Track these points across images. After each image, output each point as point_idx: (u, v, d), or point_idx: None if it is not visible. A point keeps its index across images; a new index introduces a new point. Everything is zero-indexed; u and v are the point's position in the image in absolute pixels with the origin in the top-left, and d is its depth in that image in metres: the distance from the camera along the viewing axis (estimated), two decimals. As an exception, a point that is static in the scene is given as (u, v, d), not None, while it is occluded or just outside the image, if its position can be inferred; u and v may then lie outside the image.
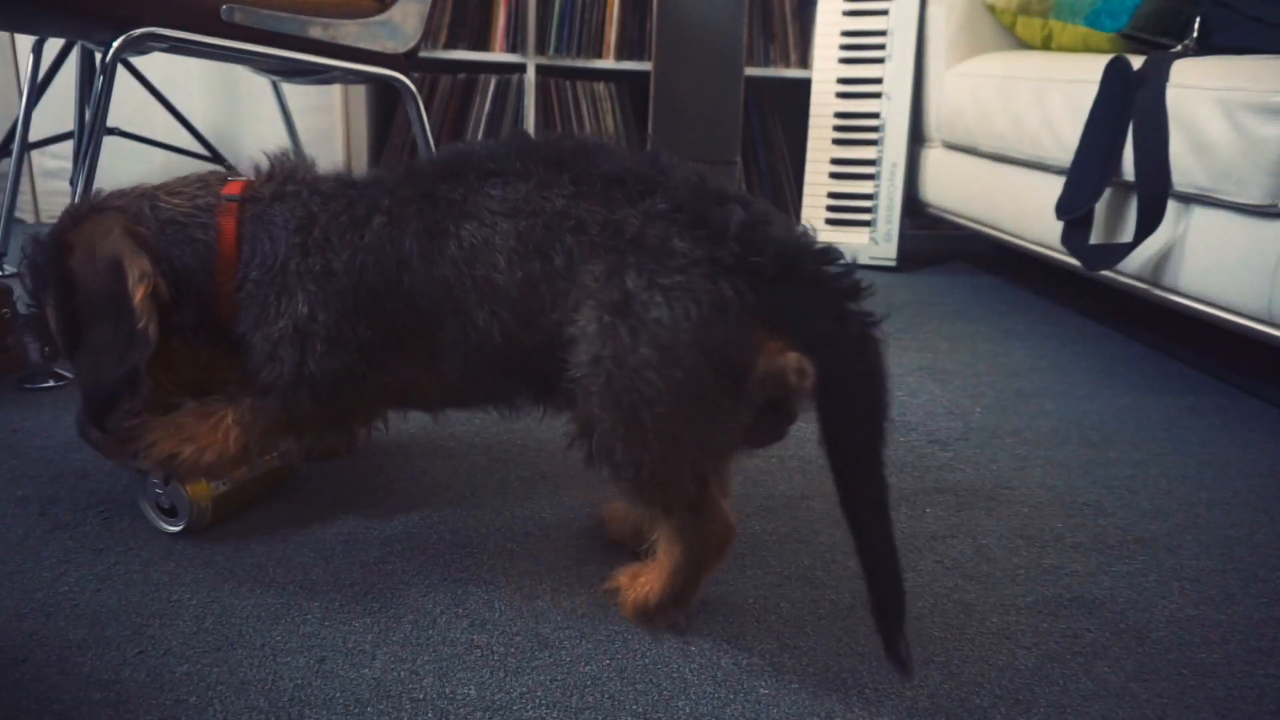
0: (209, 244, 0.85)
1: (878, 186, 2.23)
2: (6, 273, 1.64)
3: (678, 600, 0.80)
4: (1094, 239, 1.56)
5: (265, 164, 0.90)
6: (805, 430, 1.23)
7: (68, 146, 1.91)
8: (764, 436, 0.82)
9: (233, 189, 0.88)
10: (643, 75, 2.43)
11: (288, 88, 2.05)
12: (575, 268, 0.75)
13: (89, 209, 0.86)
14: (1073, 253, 1.55)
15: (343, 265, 0.82)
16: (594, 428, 0.73)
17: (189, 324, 0.87)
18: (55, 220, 0.87)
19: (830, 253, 0.74)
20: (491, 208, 0.79)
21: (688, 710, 0.71)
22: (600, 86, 2.41)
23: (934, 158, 2.19)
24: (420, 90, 2.34)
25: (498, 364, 0.81)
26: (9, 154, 1.70)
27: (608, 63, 2.38)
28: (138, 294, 0.82)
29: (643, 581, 0.81)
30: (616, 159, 0.79)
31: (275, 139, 2.17)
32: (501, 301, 0.79)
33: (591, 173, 0.78)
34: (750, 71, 2.39)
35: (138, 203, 0.87)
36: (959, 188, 2.07)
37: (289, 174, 0.89)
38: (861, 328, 0.71)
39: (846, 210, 2.26)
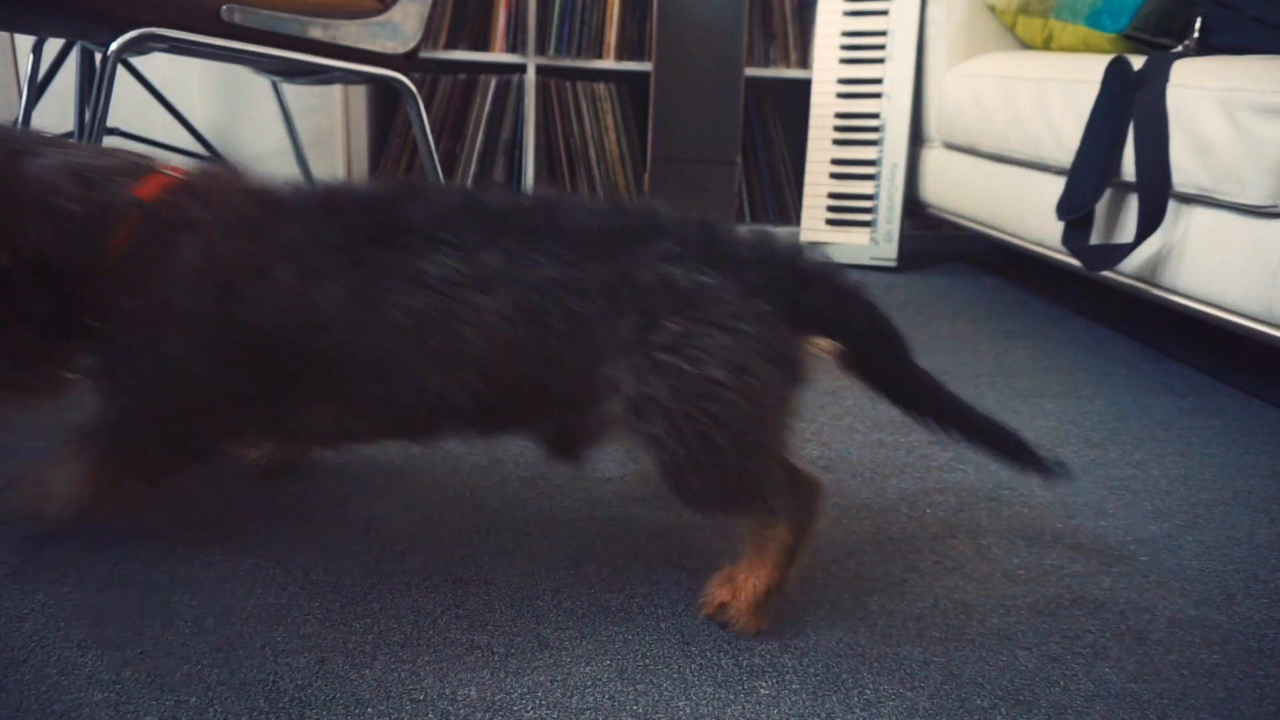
0: (91, 249, 0.78)
1: (878, 187, 2.23)
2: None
3: (785, 579, 0.82)
4: (1094, 239, 1.56)
5: (192, 169, 0.84)
6: (803, 430, 1.23)
7: (68, 147, 1.91)
8: None
9: (148, 190, 0.79)
10: (643, 75, 2.43)
11: (288, 88, 2.05)
12: (586, 331, 0.77)
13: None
14: (1073, 253, 1.55)
15: (238, 317, 0.77)
16: (664, 464, 0.75)
17: (42, 315, 0.79)
18: None
19: (817, 252, 0.84)
20: (453, 278, 0.77)
21: (688, 710, 0.71)
22: (600, 87, 2.41)
23: (934, 158, 2.19)
24: (420, 90, 2.34)
25: (459, 419, 0.81)
26: (9, 154, 1.69)
27: (608, 63, 2.38)
28: None
29: (744, 580, 0.81)
30: (585, 212, 0.80)
31: (275, 139, 2.18)
32: (470, 369, 0.78)
33: (577, 233, 0.78)
34: (750, 71, 2.39)
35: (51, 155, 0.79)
36: (959, 188, 2.07)
37: (207, 193, 0.81)
38: (864, 303, 0.82)
39: (847, 211, 2.26)
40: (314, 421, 0.84)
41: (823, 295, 0.80)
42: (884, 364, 0.83)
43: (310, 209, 0.81)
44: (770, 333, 0.76)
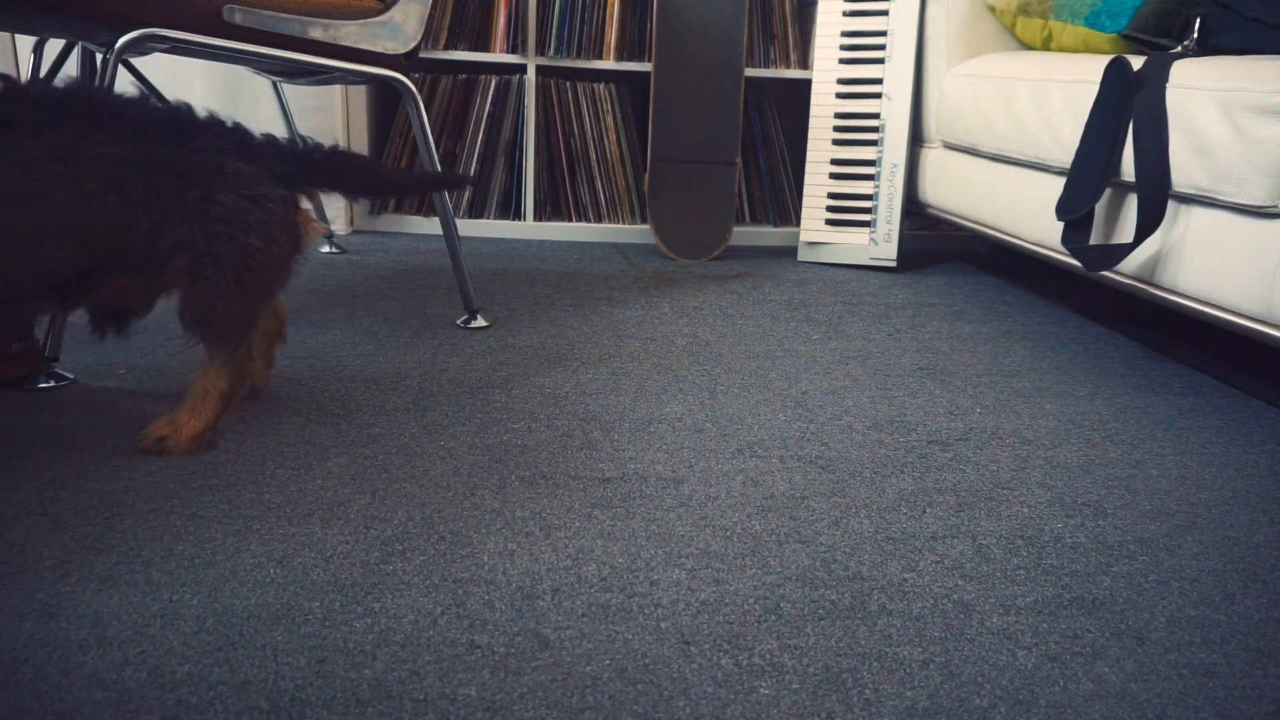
0: None
1: (878, 187, 2.23)
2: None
3: (219, 423, 1.10)
4: (1094, 239, 1.56)
5: None
6: (803, 430, 1.24)
7: (68, 147, 1.91)
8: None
9: None
10: (643, 75, 2.43)
11: (288, 88, 2.05)
12: (163, 196, 1.00)
13: None
14: (1073, 253, 1.55)
15: None
16: (200, 294, 1.02)
17: None
18: None
19: (308, 144, 1.14)
20: (34, 154, 0.93)
21: (688, 710, 0.71)
22: (600, 87, 2.41)
23: (934, 158, 2.19)
24: (420, 90, 2.35)
25: (34, 283, 0.97)
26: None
27: (608, 63, 2.39)
28: None
29: (185, 419, 1.08)
30: (135, 106, 1.01)
31: (276, 139, 2.17)
32: (50, 234, 0.95)
33: (137, 121, 0.99)
34: (750, 72, 2.39)
35: None
36: (959, 188, 2.07)
37: None
38: (349, 162, 1.17)
39: (846, 211, 2.27)
40: None
41: (323, 175, 1.13)
42: (363, 188, 1.19)
43: None
44: (287, 212, 1.07)
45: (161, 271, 1.02)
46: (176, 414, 1.08)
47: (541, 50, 2.35)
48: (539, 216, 2.45)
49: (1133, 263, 1.49)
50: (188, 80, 2.14)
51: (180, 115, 1.03)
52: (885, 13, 2.19)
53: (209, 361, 1.08)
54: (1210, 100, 1.32)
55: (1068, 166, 1.59)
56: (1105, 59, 1.53)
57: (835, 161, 2.27)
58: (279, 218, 1.05)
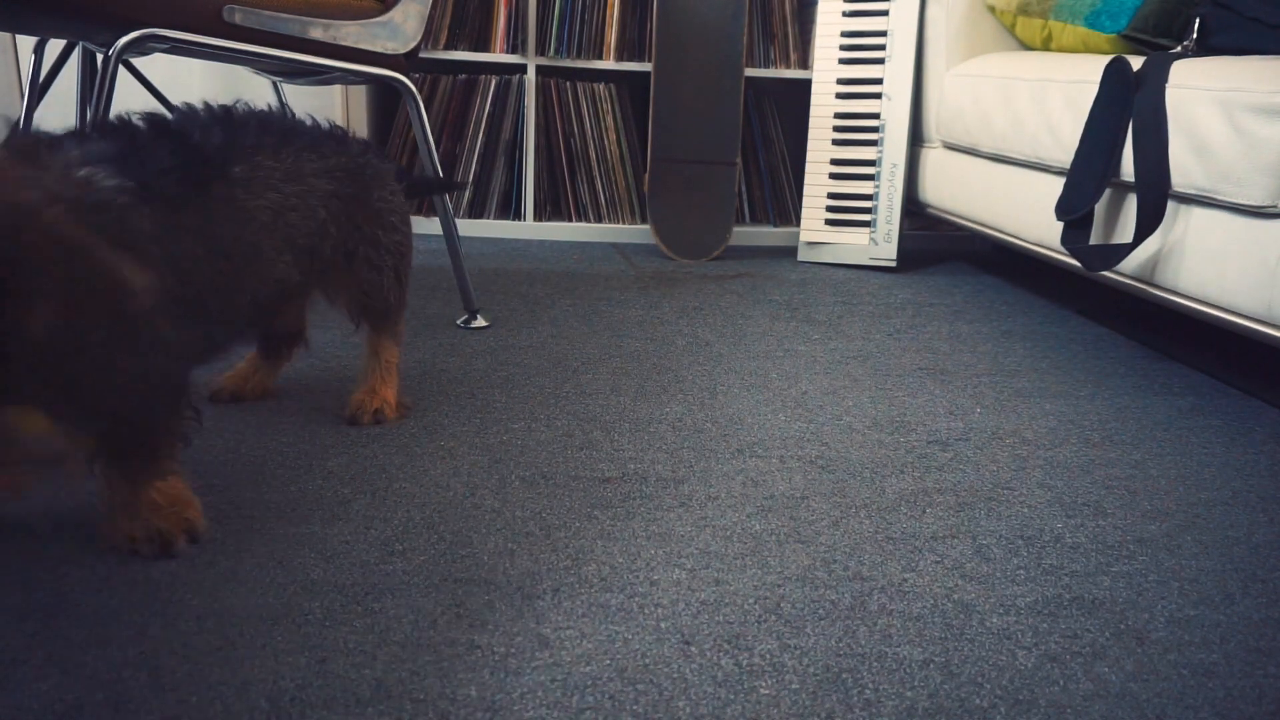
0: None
1: (878, 187, 2.23)
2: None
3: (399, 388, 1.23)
4: (1093, 239, 1.56)
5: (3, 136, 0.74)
6: (803, 430, 1.24)
7: (68, 147, 1.91)
8: None
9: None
10: (643, 76, 2.43)
11: (288, 88, 2.05)
12: (349, 203, 1.08)
13: None
14: (1073, 253, 1.55)
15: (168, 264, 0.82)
16: (379, 286, 1.14)
17: None
18: None
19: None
20: (278, 176, 0.98)
21: (688, 710, 0.71)
22: (600, 87, 2.41)
23: (934, 158, 2.19)
24: (420, 90, 2.34)
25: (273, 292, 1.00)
26: (10, 155, 1.69)
27: (608, 63, 2.39)
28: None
29: (381, 389, 1.19)
30: (299, 122, 1.07)
31: (276, 140, 2.18)
32: (294, 243, 1.00)
33: (311, 136, 1.05)
34: (750, 72, 2.39)
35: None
36: (959, 188, 2.07)
37: (60, 165, 0.75)
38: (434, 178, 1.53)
39: (846, 211, 2.27)
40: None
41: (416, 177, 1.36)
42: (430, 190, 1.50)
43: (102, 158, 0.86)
44: (406, 202, 1.20)
45: (343, 272, 1.10)
46: (370, 388, 1.19)
47: (541, 50, 2.35)
48: (539, 216, 2.45)
49: (1132, 263, 1.49)
50: (187, 80, 2.14)
51: (319, 127, 1.10)
52: (885, 13, 2.19)
53: (380, 340, 1.19)
54: (1210, 100, 1.32)
55: (1067, 166, 1.59)
56: (1105, 59, 1.53)
57: (835, 161, 2.27)
58: (405, 208, 1.19)
